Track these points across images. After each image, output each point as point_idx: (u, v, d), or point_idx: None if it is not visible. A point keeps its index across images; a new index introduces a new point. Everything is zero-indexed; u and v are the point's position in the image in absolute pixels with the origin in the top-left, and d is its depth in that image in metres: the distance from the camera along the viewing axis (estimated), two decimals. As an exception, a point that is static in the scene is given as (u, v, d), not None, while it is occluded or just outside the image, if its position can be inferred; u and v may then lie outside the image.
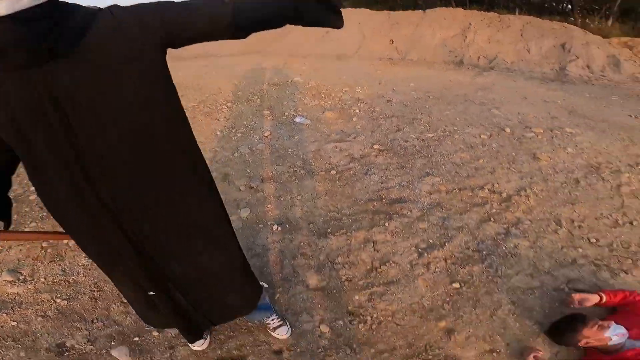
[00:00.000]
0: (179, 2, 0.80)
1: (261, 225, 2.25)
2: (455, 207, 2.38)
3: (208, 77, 5.21)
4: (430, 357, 1.56)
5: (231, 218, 2.30)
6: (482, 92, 4.94)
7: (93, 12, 0.74)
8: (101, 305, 1.76)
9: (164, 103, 0.83)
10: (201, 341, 1.53)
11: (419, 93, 4.65)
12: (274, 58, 8.66)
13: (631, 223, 2.22)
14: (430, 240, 2.12)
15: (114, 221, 0.88)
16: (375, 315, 1.73)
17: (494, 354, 1.56)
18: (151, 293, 1.08)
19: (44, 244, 2.12)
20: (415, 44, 9.19)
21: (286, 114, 3.78)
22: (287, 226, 2.23)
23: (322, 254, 2.05)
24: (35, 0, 0.65)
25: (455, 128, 3.46)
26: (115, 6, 0.76)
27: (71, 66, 0.70)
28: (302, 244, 2.12)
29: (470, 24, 8.77)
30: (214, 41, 0.86)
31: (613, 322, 1.51)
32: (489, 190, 2.53)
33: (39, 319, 1.68)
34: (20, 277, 1.90)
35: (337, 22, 0.87)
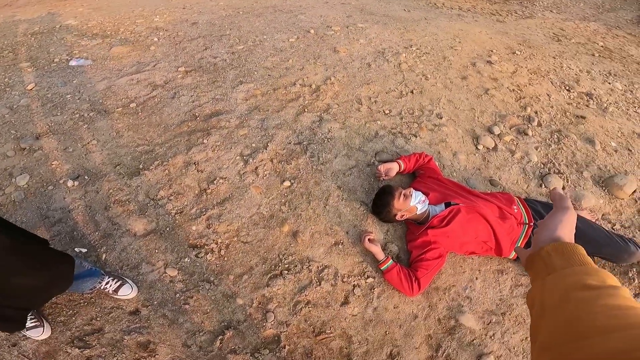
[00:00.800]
0: None
1: (51, 187, 1.79)
2: (272, 106, 2.34)
3: None
4: (286, 265, 1.54)
5: (6, 191, 1.74)
6: (290, 1, 4.86)
7: None
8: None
9: None
10: (39, 330, 1.35)
11: (228, 10, 4.28)
12: (33, 8, 6.56)
13: (412, 92, 2.59)
14: (254, 145, 2.04)
15: None
16: (219, 241, 1.60)
17: (339, 246, 1.61)
18: None
19: None
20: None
21: (56, 60, 2.90)
22: (87, 177, 1.83)
23: (139, 194, 1.75)
24: None
25: (265, 37, 3.38)
26: None
27: None
28: (111, 190, 1.76)
29: None
30: None
31: (412, 190, 1.61)
32: (300, 84, 2.58)
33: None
34: None
35: None
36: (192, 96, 2.41)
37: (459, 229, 1.52)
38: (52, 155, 1.93)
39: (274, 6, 4.53)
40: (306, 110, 2.32)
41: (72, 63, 2.78)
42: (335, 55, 3.01)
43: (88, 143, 2.00)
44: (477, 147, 2.17)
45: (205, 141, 2.01)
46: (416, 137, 2.18)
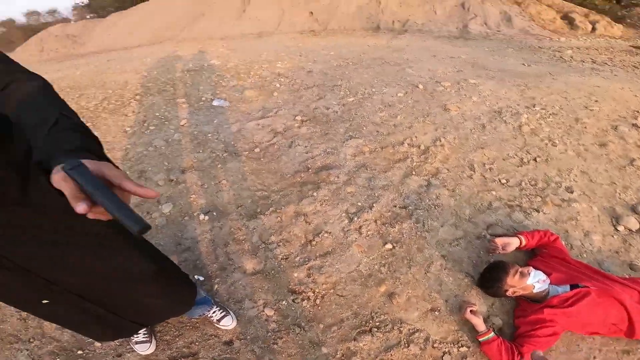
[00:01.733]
0: None
1: (187, 218, 2.11)
2: (380, 165, 2.40)
3: (112, 72, 4.69)
4: (377, 323, 1.57)
5: (153, 215, 2.15)
6: (397, 53, 5.09)
7: None
8: (32, 324, 1.61)
9: None
10: (146, 345, 1.48)
11: (339, 61, 4.66)
12: (189, 44, 8.06)
13: (535, 160, 2.39)
14: (359, 203, 2.12)
15: None
16: (317, 290, 1.70)
17: (436, 312, 1.60)
18: (45, 301, 0.99)
19: None
20: (334, 14, 9.14)
21: (203, 98, 3.55)
22: (215, 214, 2.11)
23: (254, 236, 1.97)
24: None
25: (374, 90, 3.51)
26: None
27: None
28: (232, 229, 2.02)
29: None
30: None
31: (532, 268, 1.51)
32: (408, 144, 2.59)
33: None
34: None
35: None
36: (306, 147, 2.63)
37: (585, 311, 1.39)
38: (192, 189, 2.29)
39: (381, 58, 4.78)
40: (414, 172, 2.31)
41: (214, 103, 3.40)
42: (446, 113, 2.95)
43: (220, 182, 2.34)
44: (616, 228, 1.92)
45: (315, 194, 2.18)
46: (538, 212, 2.00)
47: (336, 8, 9.24)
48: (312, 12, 9.48)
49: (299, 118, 3.06)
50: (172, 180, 2.42)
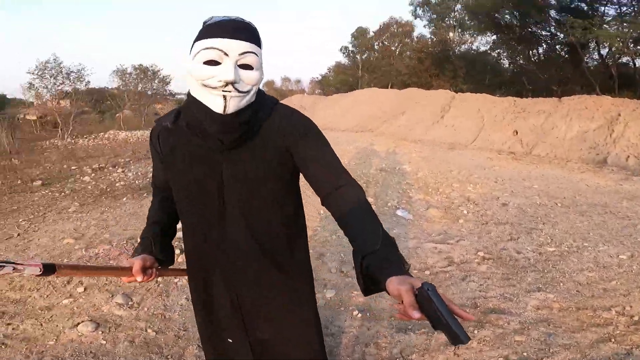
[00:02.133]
0: (319, 138, 0.99)
1: (342, 309, 2.48)
2: (567, 325, 2.26)
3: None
4: None
5: (315, 297, 2.66)
6: (628, 202, 4.53)
7: (271, 107, 0.96)
8: (181, 344, 2.14)
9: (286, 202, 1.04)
10: None
11: (543, 198, 4.53)
12: (385, 140, 9.44)
13: None
14: (524, 354, 2.03)
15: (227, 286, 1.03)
16: None
17: None
18: (230, 340, 1.11)
19: (159, 279, 2.73)
20: (544, 137, 8.90)
21: (389, 204, 4.16)
22: (368, 314, 2.41)
23: (396, 347, 2.15)
24: (251, 99, 0.89)
25: (586, 244, 3.29)
26: (282, 105, 0.99)
27: (239, 153, 0.93)
28: (379, 334, 2.25)
29: (620, 115, 8.07)
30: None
31: None
32: (616, 312, 2.35)
33: (126, 343, 2.12)
34: (129, 303, 2.48)
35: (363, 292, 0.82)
36: (481, 285, 2.70)
37: None
38: (356, 286, 2.67)
39: (604, 205, 4.35)
40: (613, 340, 2.09)
41: (398, 212, 3.93)
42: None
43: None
44: None
45: (475, 332, 2.21)
46: None
47: (550, 130, 8.98)
48: (517, 131, 9.53)
49: (481, 254, 3.17)
50: (343, 272, 2.93)
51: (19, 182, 5.96)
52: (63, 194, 5.24)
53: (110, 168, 6.89)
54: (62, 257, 3.10)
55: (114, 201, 4.72)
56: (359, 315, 2.42)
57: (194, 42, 0.87)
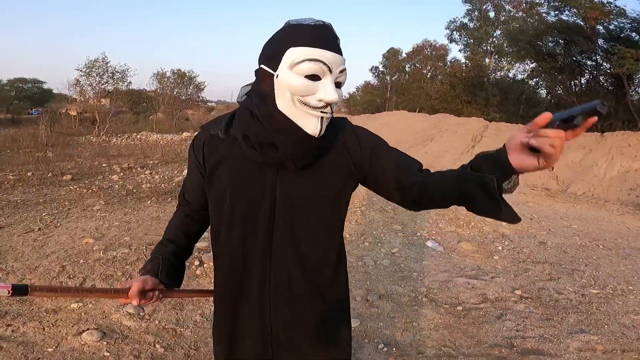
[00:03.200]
0: (388, 146, 0.93)
1: (367, 341, 2.31)
2: None
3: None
4: None
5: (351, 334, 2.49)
6: (673, 249, 4.18)
7: (338, 126, 0.89)
8: None
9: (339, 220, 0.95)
10: None
11: (584, 239, 4.24)
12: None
13: None
14: None
15: (264, 309, 0.93)
16: None
17: None
18: None
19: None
20: (582, 174, 8.45)
21: (418, 234, 3.94)
22: (394, 349, 2.24)
23: None
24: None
25: (632, 288, 3.08)
26: (348, 122, 0.92)
27: (299, 175, 0.84)
28: None
29: None
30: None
31: None
32: None
33: (131, 357, 1.99)
34: (141, 313, 2.36)
35: (504, 216, 0.69)
36: (518, 324, 2.50)
37: None
38: (382, 317, 2.52)
39: (648, 250, 4.04)
40: None
41: (428, 244, 3.71)
42: None
43: (410, 322, 2.49)
44: None
45: None
46: None
47: (588, 168, 8.53)
48: (553, 167, 9.14)
49: (518, 292, 2.94)
50: (369, 300, 2.75)
51: (49, 174, 6.10)
52: (90, 190, 5.30)
53: (139, 169, 6.98)
54: (79, 258, 3.05)
55: (138, 203, 4.72)
56: (384, 349, 2.25)
57: (284, 45, 0.75)
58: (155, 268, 0.97)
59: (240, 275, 0.94)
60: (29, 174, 6.07)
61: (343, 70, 0.78)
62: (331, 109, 0.77)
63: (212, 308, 2.70)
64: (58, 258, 3.05)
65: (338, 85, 0.78)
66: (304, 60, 0.72)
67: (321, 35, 0.74)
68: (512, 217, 0.70)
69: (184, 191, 1.04)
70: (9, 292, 0.78)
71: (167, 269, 0.98)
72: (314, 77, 0.74)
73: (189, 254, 1.08)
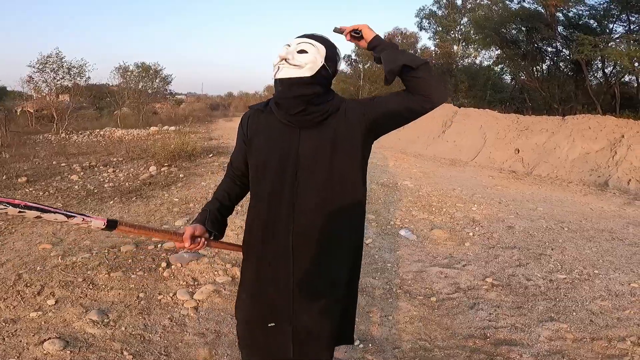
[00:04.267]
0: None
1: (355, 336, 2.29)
2: (582, 356, 2.11)
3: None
4: None
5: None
6: (634, 228, 4.38)
7: (339, 101, 1.19)
8: None
9: (359, 178, 1.21)
10: None
11: (549, 222, 4.37)
12: (384, 152, 9.26)
13: None
14: None
15: (288, 252, 1.17)
16: None
17: None
18: (271, 325, 1.22)
19: (141, 294, 2.50)
20: (546, 156, 8.75)
21: (391, 223, 3.94)
22: (370, 345, 2.22)
23: None
24: (305, 72, 1.12)
25: (597, 272, 3.15)
26: (348, 100, 1.23)
27: (313, 133, 1.15)
28: None
29: (623, 137, 7.88)
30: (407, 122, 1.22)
31: None
32: (631, 342, 2.21)
33: None
34: (105, 320, 2.23)
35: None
36: (490, 314, 2.52)
37: None
38: (357, 311, 2.52)
39: (611, 231, 4.19)
40: None
41: (402, 233, 3.71)
42: None
43: (385, 316, 2.47)
44: None
45: None
46: None
47: (552, 150, 8.84)
48: (518, 150, 9.39)
49: (489, 280, 2.98)
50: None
51: (4, 177, 5.69)
52: (47, 193, 4.98)
53: (101, 167, 6.63)
54: (35, 265, 2.85)
55: (100, 204, 4.47)
56: (360, 345, 2.22)
57: None
58: (202, 218, 1.20)
59: (267, 221, 1.18)
60: (-20, 177, 5.64)
61: (302, 43, 1.14)
62: (287, 62, 1.11)
63: (181, 312, 2.54)
64: (14, 266, 2.84)
65: (303, 51, 1.13)
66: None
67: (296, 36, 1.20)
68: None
69: (231, 160, 1.31)
70: (104, 225, 0.98)
71: (212, 219, 1.21)
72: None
73: (231, 212, 1.32)
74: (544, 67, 14.93)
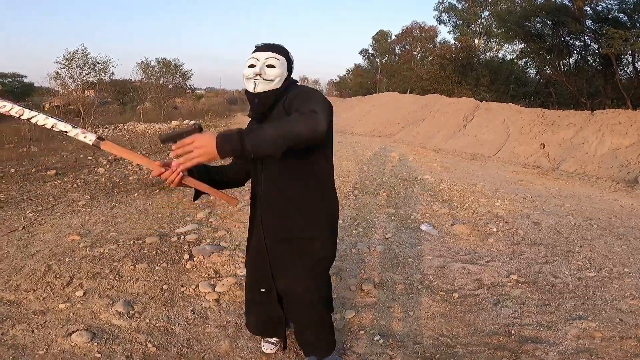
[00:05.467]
0: (307, 95, 1.35)
1: (362, 332, 2.25)
2: (611, 355, 2.03)
3: (340, 155, 5.79)
4: None
5: (333, 317, 2.39)
6: (667, 225, 4.18)
7: (290, 90, 1.42)
8: None
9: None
10: (272, 347, 1.98)
11: (578, 218, 4.21)
12: (404, 147, 9.14)
13: None
14: None
15: (259, 221, 1.57)
16: None
17: None
18: (263, 290, 1.64)
19: (164, 286, 2.54)
20: (573, 152, 8.44)
21: (412, 217, 3.87)
22: (390, 340, 2.19)
23: None
24: (276, 85, 1.41)
25: (627, 270, 3.03)
26: (300, 87, 1.45)
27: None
28: None
29: None
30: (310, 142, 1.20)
31: None
32: None
33: (123, 358, 1.91)
34: (130, 312, 2.27)
35: None
36: (515, 311, 2.45)
37: None
38: (378, 306, 2.46)
39: (641, 229, 4.02)
40: None
41: (422, 227, 3.64)
42: None
43: (406, 311, 2.43)
44: None
45: None
46: None
47: (580, 145, 8.51)
48: (543, 145, 9.09)
49: (514, 277, 2.89)
50: (363, 290, 2.68)
51: (33, 170, 5.89)
52: (75, 185, 5.12)
53: (126, 160, 6.78)
54: (64, 256, 2.93)
55: (125, 196, 4.57)
56: (380, 340, 2.20)
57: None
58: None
59: (252, 195, 1.61)
60: (12, 170, 5.85)
61: (269, 58, 1.40)
62: (261, 77, 1.39)
63: (203, 304, 2.55)
64: (43, 257, 2.93)
65: (271, 65, 1.40)
66: (248, 59, 1.45)
67: (258, 47, 1.45)
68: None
69: None
70: (95, 138, 1.24)
71: (200, 170, 1.49)
72: (252, 66, 1.42)
73: (218, 183, 1.57)
74: (571, 61, 14.37)
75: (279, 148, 1.06)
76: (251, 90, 1.40)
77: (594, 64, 13.54)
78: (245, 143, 1.03)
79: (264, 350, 1.99)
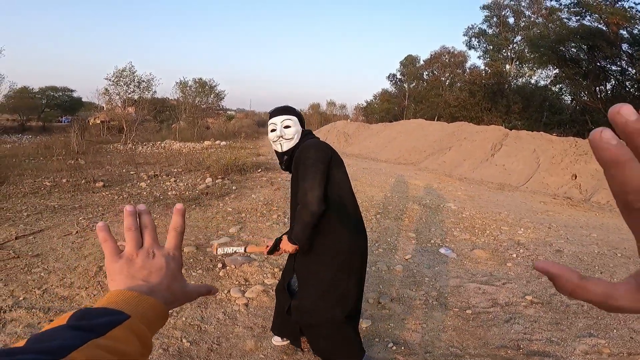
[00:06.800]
0: (304, 168, 1.77)
1: (377, 340, 2.46)
2: None
3: (363, 183, 6.07)
4: None
5: (361, 325, 2.62)
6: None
7: (302, 144, 1.87)
8: (213, 357, 2.20)
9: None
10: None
11: (603, 247, 4.24)
12: (428, 175, 9.27)
13: None
14: None
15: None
16: None
17: None
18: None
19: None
20: (606, 183, 8.28)
21: (432, 241, 4.05)
22: (403, 348, 2.38)
23: None
24: (295, 141, 1.87)
25: None
26: (305, 143, 1.86)
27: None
28: None
29: None
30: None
31: None
32: None
33: (160, 350, 2.19)
34: (169, 310, 2.59)
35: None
36: (526, 327, 2.58)
37: None
38: (393, 318, 2.68)
39: (672, 263, 4.01)
40: None
41: (442, 251, 3.82)
42: None
43: (420, 324, 2.62)
44: None
45: None
46: None
47: (612, 178, 8.36)
48: (575, 175, 8.98)
49: (528, 298, 3.02)
50: (380, 303, 2.90)
51: (83, 181, 6.52)
52: (121, 197, 5.65)
53: (164, 176, 7.34)
54: (115, 257, 3.32)
55: (165, 209, 5.02)
56: (394, 347, 2.40)
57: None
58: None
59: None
60: (64, 180, 6.50)
61: (284, 120, 1.86)
62: (283, 139, 1.86)
63: (233, 307, 2.87)
64: (95, 259, 3.33)
65: (287, 126, 1.86)
66: (269, 124, 1.93)
67: (273, 112, 1.92)
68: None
69: None
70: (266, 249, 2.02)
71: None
72: (273, 130, 1.89)
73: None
74: (608, 86, 14.15)
75: (306, 236, 1.77)
76: (279, 150, 1.88)
77: (631, 89, 13.27)
78: (293, 240, 1.80)
79: (273, 342, 2.30)
